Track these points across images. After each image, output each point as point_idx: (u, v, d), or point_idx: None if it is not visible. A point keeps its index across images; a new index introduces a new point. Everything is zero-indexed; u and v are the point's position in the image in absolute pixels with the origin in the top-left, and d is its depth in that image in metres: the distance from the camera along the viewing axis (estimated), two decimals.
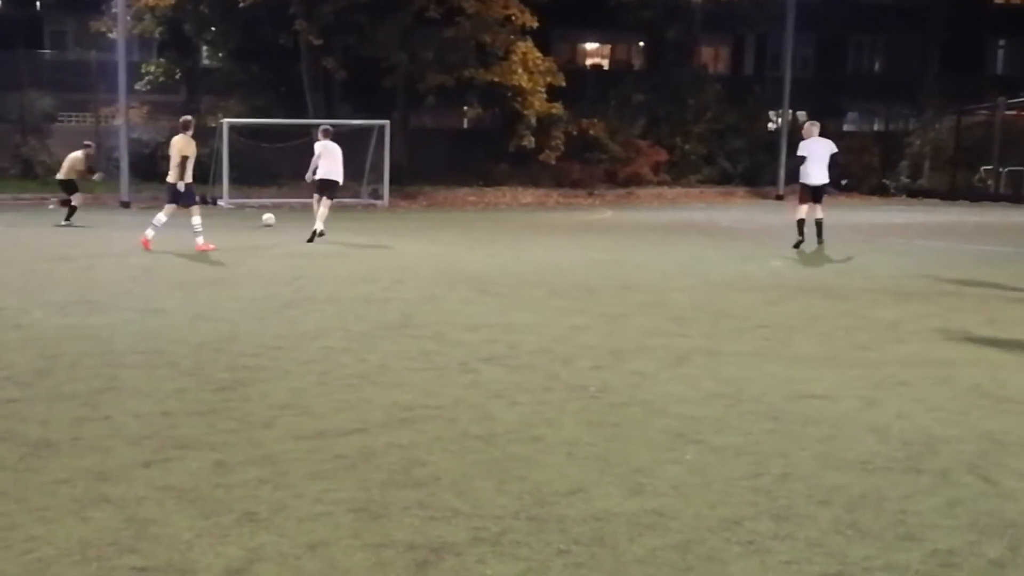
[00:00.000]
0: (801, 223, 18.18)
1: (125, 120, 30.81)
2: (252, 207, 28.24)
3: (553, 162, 36.82)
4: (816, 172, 17.93)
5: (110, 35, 34.35)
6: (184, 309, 10.80)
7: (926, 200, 34.81)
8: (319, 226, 18.73)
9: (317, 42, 34.49)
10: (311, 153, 19.45)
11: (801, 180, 18.12)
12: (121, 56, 30.09)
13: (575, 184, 37.45)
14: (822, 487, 5.17)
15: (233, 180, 29.47)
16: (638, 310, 11.09)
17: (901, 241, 19.24)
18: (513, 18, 35.18)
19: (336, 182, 19.62)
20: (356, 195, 31.51)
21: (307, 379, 7.53)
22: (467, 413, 6.58)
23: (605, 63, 50.26)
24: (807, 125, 18.70)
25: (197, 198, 17.77)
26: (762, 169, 38.79)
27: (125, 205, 28.83)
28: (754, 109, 42.85)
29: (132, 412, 6.52)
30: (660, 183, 38.96)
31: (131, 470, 5.33)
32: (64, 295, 11.72)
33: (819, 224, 18.08)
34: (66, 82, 39.18)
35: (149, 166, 33.53)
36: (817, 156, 17.86)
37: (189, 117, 17.92)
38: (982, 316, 10.89)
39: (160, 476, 5.23)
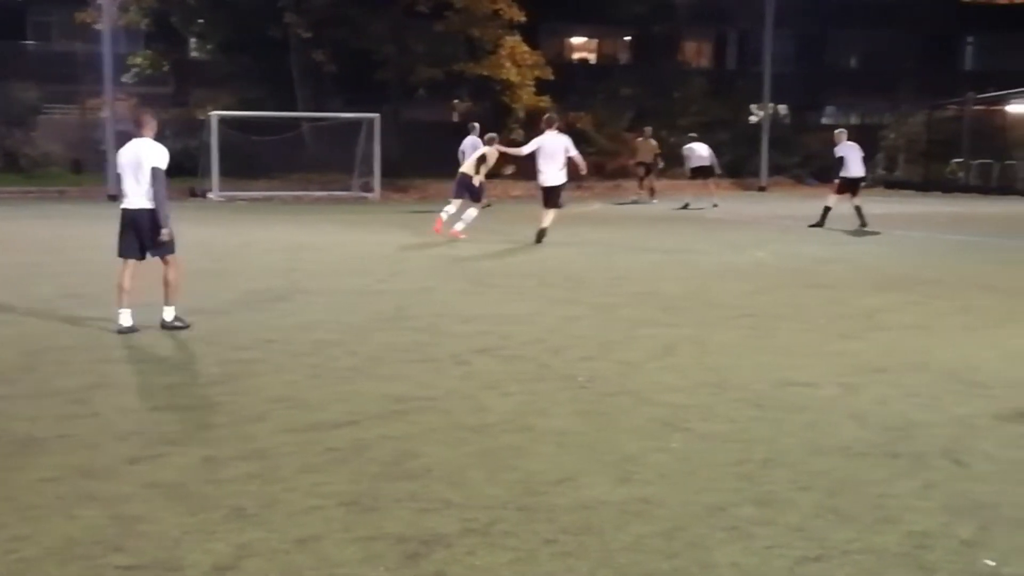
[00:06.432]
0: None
1: (111, 112, 30.67)
2: (242, 200, 28.24)
3: None
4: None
5: (95, 26, 34.16)
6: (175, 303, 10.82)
7: (902, 191, 35.04)
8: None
9: (307, 35, 34.45)
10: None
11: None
12: (106, 48, 29.95)
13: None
14: (804, 473, 5.28)
15: (222, 173, 29.38)
16: (628, 300, 11.19)
17: (880, 231, 19.35)
18: (501, 12, 35.27)
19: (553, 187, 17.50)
20: (347, 188, 31.52)
21: (300, 372, 7.60)
22: (460, 404, 6.67)
23: (592, 57, 50.52)
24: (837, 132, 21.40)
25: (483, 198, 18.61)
26: (745, 161, 38.97)
27: (112, 198, 28.70)
28: (737, 103, 43.24)
29: (121, 408, 6.57)
30: (641, 176, 39.13)
31: (118, 467, 5.36)
32: (52, 289, 11.69)
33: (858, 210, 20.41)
34: (51, 74, 38.89)
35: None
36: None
37: (495, 134, 19.02)
38: (956, 304, 11.09)
39: (148, 472, 5.26)
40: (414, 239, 17.86)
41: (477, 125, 23.88)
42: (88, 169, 33.53)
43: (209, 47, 40.74)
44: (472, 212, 18.03)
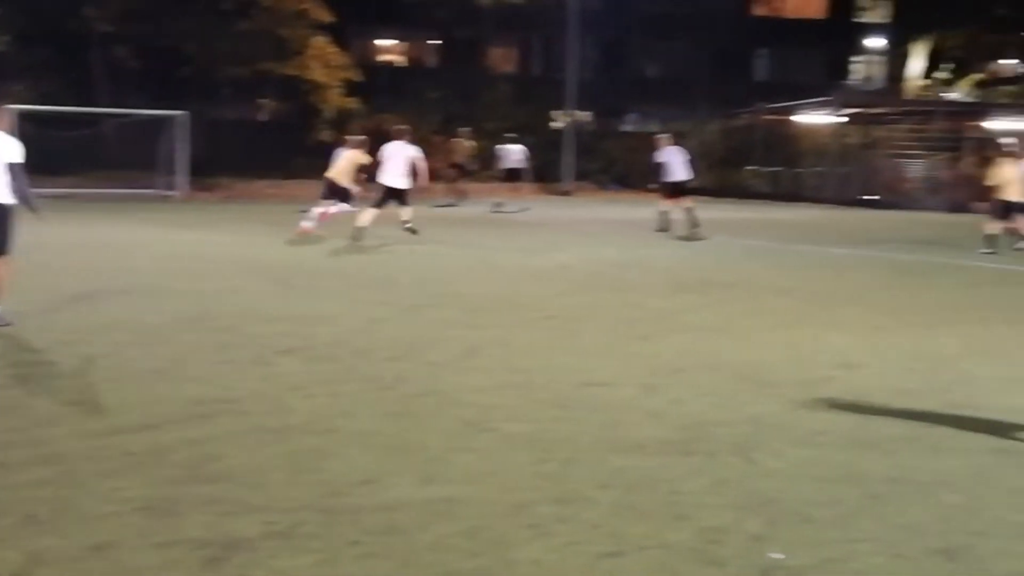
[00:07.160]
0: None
1: None
2: (41, 198, 27.18)
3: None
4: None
5: None
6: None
7: (698, 197, 36.29)
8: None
9: (108, 29, 33.52)
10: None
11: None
12: None
13: (373, 179, 37.45)
14: (604, 471, 5.42)
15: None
16: (434, 302, 11.26)
17: (676, 236, 19.97)
18: (307, 12, 35.11)
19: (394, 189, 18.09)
20: (151, 186, 30.71)
21: (97, 375, 7.37)
22: (262, 406, 6.59)
23: (401, 60, 50.75)
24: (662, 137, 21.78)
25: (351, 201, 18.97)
26: (550, 166, 39.70)
27: None
28: (542, 108, 44.09)
29: None
30: (454, 178, 39.49)
31: None
32: None
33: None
34: None
35: None
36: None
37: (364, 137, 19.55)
38: (749, 306, 11.57)
39: None
40: (219, 238, 17.55)
41: (351, 138, 23.93)
42: None
43: (5, 38, 39.16)
44: (352, 208, 18.39)
